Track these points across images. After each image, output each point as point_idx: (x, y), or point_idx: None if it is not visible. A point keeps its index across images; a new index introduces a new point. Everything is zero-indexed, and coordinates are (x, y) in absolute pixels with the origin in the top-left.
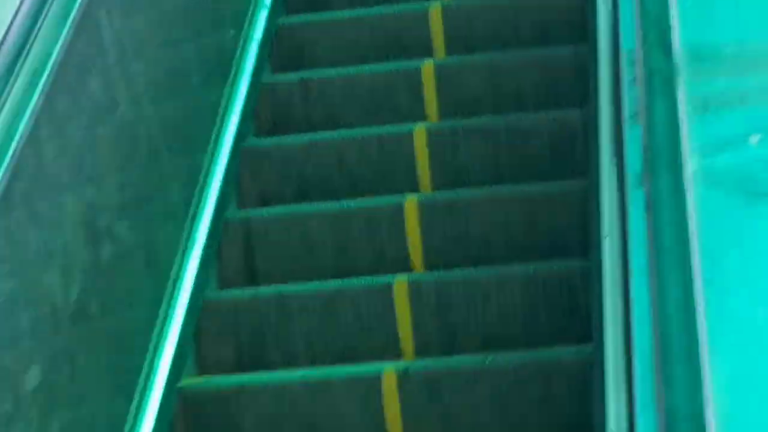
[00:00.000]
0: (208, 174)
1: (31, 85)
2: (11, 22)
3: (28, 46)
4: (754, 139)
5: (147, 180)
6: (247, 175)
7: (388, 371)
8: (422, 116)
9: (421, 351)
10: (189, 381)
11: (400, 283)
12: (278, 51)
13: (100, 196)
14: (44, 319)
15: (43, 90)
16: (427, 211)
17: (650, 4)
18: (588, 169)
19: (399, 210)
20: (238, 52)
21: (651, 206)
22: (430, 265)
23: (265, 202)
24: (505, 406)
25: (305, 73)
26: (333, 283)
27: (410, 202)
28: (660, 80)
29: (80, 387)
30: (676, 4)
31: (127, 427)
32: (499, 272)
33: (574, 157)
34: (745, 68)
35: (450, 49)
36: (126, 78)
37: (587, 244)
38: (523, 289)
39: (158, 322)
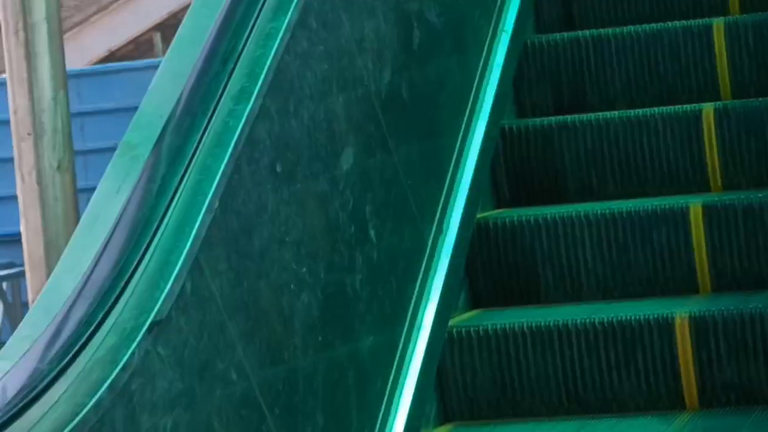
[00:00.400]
0: None
1: None
2: None
3: None
4: None
5: None
6: None
7: (707, 109)
8: None
9: (738, 93)
10: (511, 121)
11: (717, 25)
12: None
13: None
14: (357, 102)
15: None
16: None
17: None
18: None
19: None
20: None
21: None
22: (746, 10)
23: None
24: None
25: None
26: (650, 26)
27: None
28: None
29: (392, 169)
30: None
31: (450, 174)
32: None
33: None
34: None
35: None
36: None
37: None
38: None
39: (477, 75)
